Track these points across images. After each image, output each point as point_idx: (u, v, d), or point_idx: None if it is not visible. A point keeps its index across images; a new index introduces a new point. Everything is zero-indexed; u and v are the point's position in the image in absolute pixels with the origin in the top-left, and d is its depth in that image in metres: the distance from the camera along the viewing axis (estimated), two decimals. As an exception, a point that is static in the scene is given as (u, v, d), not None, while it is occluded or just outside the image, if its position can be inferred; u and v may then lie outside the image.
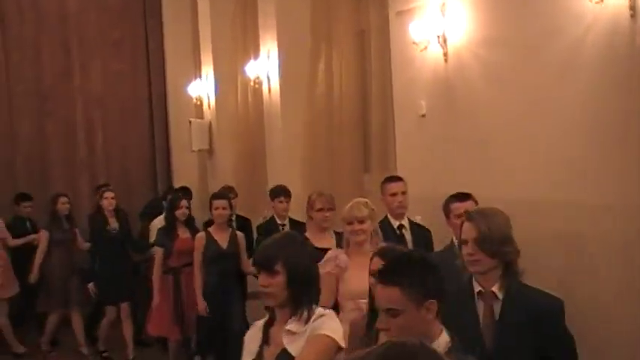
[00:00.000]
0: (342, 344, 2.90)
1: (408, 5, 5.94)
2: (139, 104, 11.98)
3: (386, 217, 5.37)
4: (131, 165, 11.80)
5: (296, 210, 7.04)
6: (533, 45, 4.75)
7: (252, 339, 3.06)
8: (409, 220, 5.42)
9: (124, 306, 8.14)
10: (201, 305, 6.62)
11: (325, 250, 4.79)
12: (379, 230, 4.67)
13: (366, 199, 4.66)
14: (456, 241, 4.25)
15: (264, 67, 8.51)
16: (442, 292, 2.59)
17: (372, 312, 3.41)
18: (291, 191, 7.11)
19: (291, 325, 2.92)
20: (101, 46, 11.71)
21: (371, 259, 3.71)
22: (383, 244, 4.41)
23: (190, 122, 10.83)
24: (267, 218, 7.24)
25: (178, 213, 7.07)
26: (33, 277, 8.32)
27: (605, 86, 4.22)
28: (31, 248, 8.56)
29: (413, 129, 6.10)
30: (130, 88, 11.91)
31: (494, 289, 3.13)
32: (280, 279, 2.92)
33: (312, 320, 2.91)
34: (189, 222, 7.23)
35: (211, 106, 10.67)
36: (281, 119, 8.21)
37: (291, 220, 6.88)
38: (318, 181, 7.24)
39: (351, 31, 7.30)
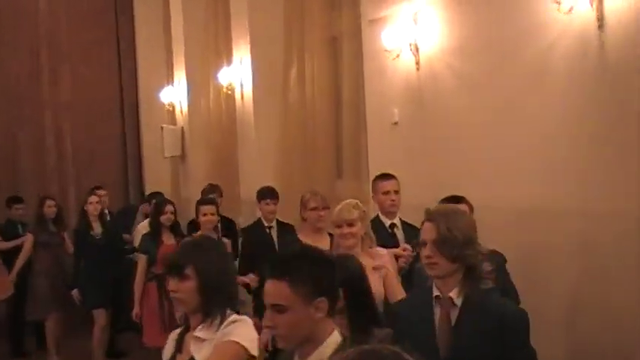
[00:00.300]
0: (254, 352, 2.79)
1: (380, 13, 5.98)
2: (110, 110, 11.89)
3: (377, 216, 5.20)
4: (102, 171, 11.66)
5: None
6: (504, 54, 4.82)
7: (168, 347, 2.98)
8: (401, 219, 5.20)
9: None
10: None
11: None
12: (372, 233, 4.48)
13: (356, 201, 4.43)
14: None
15: (237, 73, 8.50)
16: (334, 290, 2.45)
17: None
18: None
19: (201, 332, 2.84)
20: (71, 51, 11.59)
21: None
22: (377, 248, 4.39)
23: (162, 128, 10.78)
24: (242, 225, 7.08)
25: (163, 218, 6.82)
26: (10, 279, 8.12)
27: (575, 94, 4.29)
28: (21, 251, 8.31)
29: (385, 136, 6.13)
30: (101, 94, 11.78)
31: (452, 294, 2.92)
32: (191, 284, 2.82)
33: (223, 326, 2.81)
34: (175, 228, 6.98)
35: (184, 112, 10.64)
36: (254, 125, 8.22)
37: (279, 222, 6.65)
38: (290, 186, 7.24)
39: (323, 39, 7.33)
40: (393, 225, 5.18)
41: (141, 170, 12.04)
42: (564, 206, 4.38)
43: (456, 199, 4.23)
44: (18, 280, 8.23)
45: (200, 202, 6.64)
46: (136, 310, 6.82)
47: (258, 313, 5.58)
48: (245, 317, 2.91)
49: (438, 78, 5.46)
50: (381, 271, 4.16)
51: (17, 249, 8.43)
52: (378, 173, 5.34)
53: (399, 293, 4.06)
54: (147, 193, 10.21)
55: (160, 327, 6.70)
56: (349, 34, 6.96)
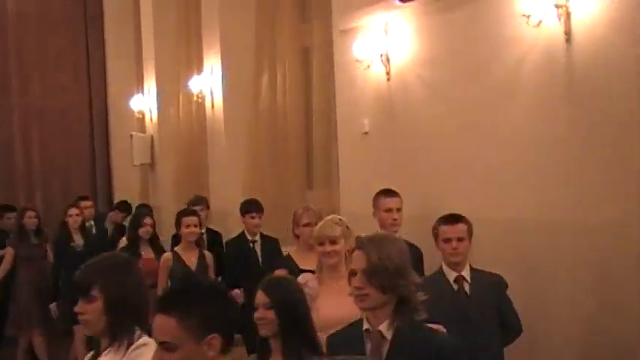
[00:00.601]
0: None
1: (351, 24, 6.01)
2: (79, 117, 11.79)
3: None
4: (71, 179, 11.58)
5: (236, 221, 7.00)
6: (475, 65, 4.87)
7: None
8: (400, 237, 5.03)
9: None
10: None
11: (313, 272, 4.30)
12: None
13: (340, 216, 4.19)
14: (445, 267, 4.08)
15: (208, 81, 8.48)
16: (229, 325, 2.26)
17: None
18: (234, 204, 7.02)
19: (107, 357, 2.68)
20: (41, 58, 11.49)
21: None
22: None
23: (132, 136, 10.71)
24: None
25: (142, 231, 6.47)
26: None
27: (543, 106, 4.37)
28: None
29: (355, 146, 6.15)
30: (70, 101, 11.71)
31: (382, 327, 2.73)
32: (97, 305, 2.66)
33: (130, 350, 2.64)
34: (153, 240, 6.61)
35: (154, 120, 10.59)
36: (224, 134, 8.20)
37: (263, 236, 6.43)
38: (260, 196, 7.22)
39: (295, 48, 7.35)
40: None
41: (110, 178, 11.94)
42: (533, 216, 4.44)
43: (455, 218, 4.10)
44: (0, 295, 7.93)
45: (182, 214, 6.22)
46: None
47: (242, 330, 5.41)
48: (152, 340, 2.59)
49: (408, 88, 5.50)
50: None
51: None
52: (382, 188, 5.04)
53: None
54: (115, 200, 10.12)
55: None
56: (320, 45, 6.99)
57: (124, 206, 9.36)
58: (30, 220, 7.88)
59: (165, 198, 9.43)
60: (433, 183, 5.19)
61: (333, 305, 3.74)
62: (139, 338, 2.68)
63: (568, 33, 4.11)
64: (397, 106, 5.63)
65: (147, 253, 6.47)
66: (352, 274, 2.80)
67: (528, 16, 4.27)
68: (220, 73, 8.20)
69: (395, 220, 4.89)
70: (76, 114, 11.75)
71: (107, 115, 11.92)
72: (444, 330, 2.97)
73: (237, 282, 5.99)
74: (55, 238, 7.83)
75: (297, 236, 5.14)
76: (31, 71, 11.44)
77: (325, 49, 6.88)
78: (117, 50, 11.82)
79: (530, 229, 4.45)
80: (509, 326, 4.05)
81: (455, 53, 5.07)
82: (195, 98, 8.89)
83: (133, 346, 2.65)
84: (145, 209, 7.33)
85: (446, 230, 4.08)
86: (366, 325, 2.78)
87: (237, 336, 4.89)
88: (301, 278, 4.03)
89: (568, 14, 4.10)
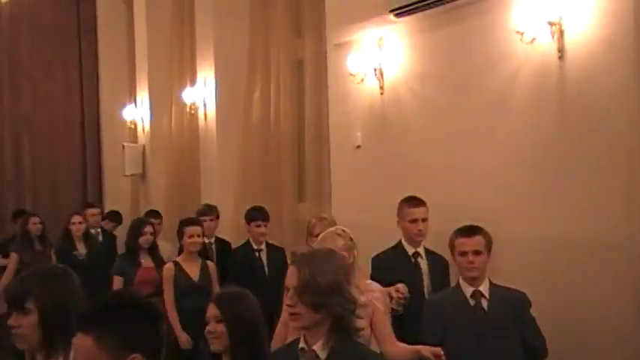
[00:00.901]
0: None
1: (345, 38, 6.04)
2: (70, 126, 11.81)
3: (399, 242, 4.74)
4: (61, 188, 11.58)
5: (227, 232, 7.00)
6: (468, 80, 4.91)
7: None
8: (425, 247, 4.72)
9: None
10: (183, 337, 5.64)
11: None
12: (358, 265, 3.94)
13: (342, 228, 3.95)
14: (461, 281, 3.91)
15: (201, 93, 8.49)
16: (150, 344, 2.12)
17: None
18: (225, 216, 7.01)
19: None
20: (32, 67, 11.52)
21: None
22: (368, 282, 3.93)
23: (124, 146, 10.69)
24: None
25: (142, 240, 6.25)
26: None
27: (536, 122, 4.40)
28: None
29: (348, 160, 6.17)
30: (62, 110, 11.73)
31: (317, 347, 2.61)
32: (32, 319, 2.54)
33: None
34: (153, 249, 6.37)
35: (146, 131, 10.57)
36: (217, 146, 8.20)
37: (269, 245, 6.26)
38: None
39: (288, 61, 7.37)
40: (416, 254, 4.71)
41: (101, 187, 11.93)
42: (525, 232, 4.46)
43: (472, 230, 3.90)
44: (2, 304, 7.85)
45: (185, 223, 5.93)
46: None
47: None
48: None
49: (401, 103, 5.53)
50: (367, 309, 3.71)
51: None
52: (407, 196, 4.81)
53: (388, 336, 3.74)
54: (106, 210, 10.08)
55: None
56: (314, 58, 7.01)
57: (115, 216, 9.34)
58: (34, 226, 7.81)
59: (156, 208, 9.38)
60: (425, 196, 5.19)
61: None
62: None
63: (561, 50, 4.15)
64: (390, 120, 5.66)
65: (146, 262, 6.26)
66: (286, 290, 2.68)
67: (522, 33, 4.32)
68: (214, 84, 8.21)
69: (420, 230, 4.67)
70: (68, 123, 11.76)
71: (99, 125, 11.93)
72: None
73: None
74: (58, 246, 7.68)
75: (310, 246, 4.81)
76: (22, 80, 11.47)
77: (318, 62, 6.91)
78: (110, 60, 11.83)
79: (519, 243, 4.47)
80: (532, 348, 3.81)
81: (448, 69, 5.11)
82: (188, 109, 8.89)
83: None
84: (147, 217, 7.04)
85: (462, 243, 3.88)
86: (301, 344, 2.67)
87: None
88: None
89: (561, 32, 4.15)
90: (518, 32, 4.33)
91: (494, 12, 4.65)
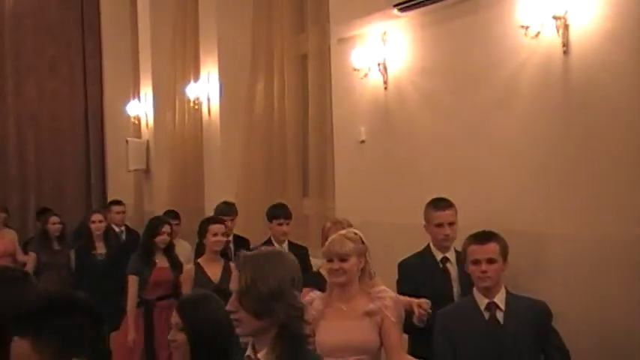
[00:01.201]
0: None
1: (349, 33, 6.02)
2: (74, 122, 11.84)
3: (428, 246, 4.49)
4: (65, 184, 11.61)
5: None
6: (472, 75, 4.89)
7: None
8: (456, 251, 4.41)
9: None
10: None
11: None
12: (372, 270, 3.75)
13: (354, 230, 3.81)
14: (476, 292, 3.69)
15: (205, 88, 8.49)
16: (90, 348, 2.02)
17: None
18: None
19: None
20: (36, 63, 11.55)
21: None
22: (380, 288, 3.73)
23: (127, 141, 10.70)
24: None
25: (159, 239, 6.04)
26: None
27: (540, 116, 4.38)
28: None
29: (352, 155, 6.15)
30: (66, 106, 11.76)
31: (261, 355, 2.49)
32: None
33: None
34: (169, 249, 6.15)
35: (149, 126, 10.58)
36: (220, 141, 8.20)
37: (291, 244, 5.99)
38: (255, 204, 7.22)
39: (291, 56, 7.36)
40: (445, 259, 4.44)
41: (104, 183, 11.95)
42: (531, 228, 4.44)
43: (486, 237, 3.68)
44: None
45: (209, 221, 5.79)
46: (131, 336, 5.98)
47: None
48: None
49: (405, 97, 5.51)
50: (376, 318, 3.59)
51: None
52: (434, 197, 4.55)
53: (395, 347, 3.59)
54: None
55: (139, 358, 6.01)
56: (318, 53, 6.99)
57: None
58: (54, 226, 7.67)
59: (160, 204, 9.38)
60: (429, 192, 5.16)
61: (331, 329, 3.56)
62: None
63: (566, 44, 4.12)
64: (394, 115, 5.64)
65: (161, 262, 6.06)
66: (229, 295, 2.57)
67: (526, 28, 4.29)
68: (217, 79, 8.20)
69: (447, 235, 4.37)
70: (72, 119, 11.80)
71: (102, 120, 11.95)
72: None
73: None
74: (77, 245, 7.53)
75: None
76: (26, 76, 11.51)
77: (322, 57, 6.89)
78: (113, 55, 11.84)
79: (526, 239, 4.45)
80: None
81: (452, 63, 5.09)
82: (191, 104, 8.90)
83: None
84: (166, 217, 6.71)
85: (474, 250, 3.65)
86: (248, 352, 2.54)
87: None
88: (308, 297, 3.74)
89: (566, 26, 4.12)
90: (522, 26, 4.30)
91: (499, 6, 4.62)
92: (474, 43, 4.87)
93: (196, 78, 8.86)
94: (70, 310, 2.04)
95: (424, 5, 5.23)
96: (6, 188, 11.19)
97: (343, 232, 3.79)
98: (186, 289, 5.51)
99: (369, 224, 5.27)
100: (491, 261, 3.60)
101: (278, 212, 6.03)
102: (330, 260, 3.65)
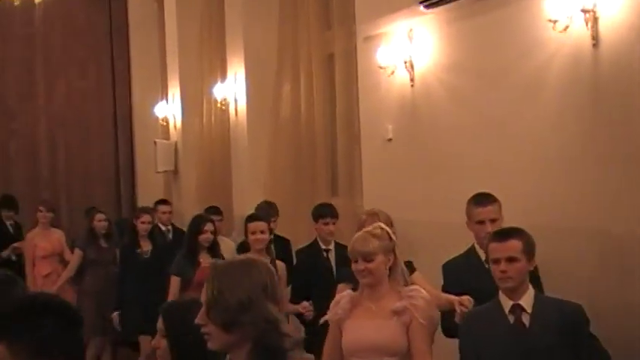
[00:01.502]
0: None
1: (375, 31, 6.00)
2: (103, 124, 11.96)
3: (472, 246, 4.25)
4: (94, 185, 11.73)
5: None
6: (499, 71, 4.85)
7: None
8: None
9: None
10: None
11: None
12: (404, 269, 3.59)
13: (381, 226, 3.59)
14: (501, 294, 3.45)
15: (231, 89, 8.52)
16: (67, 350, 1.99)
17: None
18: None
19: None
20: (66, 65, 11.69)
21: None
22: (412, 287, 3.56)
23: (156, 143, 10.78)
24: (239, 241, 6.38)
25: (202, 238, 5.86)
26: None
27: (569, 112, 4.32)
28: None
29: (379, 153, 6.14)
30: (95, 108, 11.89)
31: None
32: None
33: None
34: (213, 248, 5.95)
35: (177, 127, 10.65)
36: (247, 141, 8.22)
37: (337, 244, 5.75)
38: (283, 203, 7.22)
39: (318, 55, 7.36)
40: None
41: (133, 184, 12.04)
42: (560, 224, 4.38)
43: (505, 234, 3.45)
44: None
45: (249, 219, 5.71)
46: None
47: (311, 348, 4.62)
48: None
49: (432, 95, 5.48)
50: (404, 317, 3.43)
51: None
52: (476, 193, 4.30)
53: (421, 351, 3.42)
54: (139, 207, 10.10)
55: None
56: (344, 51, 6.99)
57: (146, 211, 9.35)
58: (100, 223, 7.68)
59: (189, 205, 9.45)
60: (457, 189, 5.14)
61: (356, 328, 3.46)
62: None
63: (595, 38, 4.07)
64: (421, 113, 5.62)
65: (205, 261, 5.77)
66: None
67: (555, 22, 4.23)
68: (244, 80, 8.23)
69: (489, 233, 3.88)
70: (101, 121, 11.92)
71: (131, 122, 12.06)
72: None
73: (306, 294, 5.50)
74: (123, 243, 7.49)
75: None
76: (56, 79, 11.66)
77: (348, 56, 6.88)
78: (141, 58, 11.94)
79: (554, 235, 4.40)
80: None
81: (479, 59, 5.05)
82: (218, 105, 8.94)
83: None
84: (208, 214, 6.59)
85: (494, 248, 3.43)
86: None
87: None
88: (338, 297, 3.64)
89: (595, 19, 4.06)
90: (550, 20, 4.25)
91: (525, 1, 4.58)
92: (500, 39, 4.82)
93: (223, 78, 8.89)
94: (44, 314, 2.00)
95: (450, 1, 5.19)
96: (37, 189, 11.32)
97: (369, 228, 3.59)
98: None
99: (396, 221, 5.24)
100: (511, 259, 3.35)
101: (324, 211, 5.85)
102: (355, 261, 3.49)
